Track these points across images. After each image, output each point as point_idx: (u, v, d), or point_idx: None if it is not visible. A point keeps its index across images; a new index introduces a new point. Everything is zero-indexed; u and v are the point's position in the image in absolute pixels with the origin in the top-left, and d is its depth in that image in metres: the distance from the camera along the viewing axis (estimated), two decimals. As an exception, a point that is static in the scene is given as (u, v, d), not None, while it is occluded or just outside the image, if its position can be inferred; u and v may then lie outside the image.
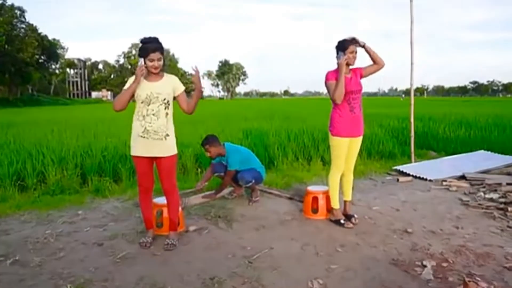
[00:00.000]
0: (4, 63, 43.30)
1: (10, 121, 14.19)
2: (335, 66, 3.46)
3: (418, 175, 5.39)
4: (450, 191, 4.74)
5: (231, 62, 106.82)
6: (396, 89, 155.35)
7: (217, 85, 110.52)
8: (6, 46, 44.13)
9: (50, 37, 54.75)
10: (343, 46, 3.43)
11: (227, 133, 8.18)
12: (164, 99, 3.06)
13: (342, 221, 3.56)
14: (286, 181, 5.37)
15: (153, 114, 3.04)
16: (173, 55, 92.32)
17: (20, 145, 6.73)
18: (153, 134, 3.05)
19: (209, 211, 4.01)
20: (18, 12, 46.94)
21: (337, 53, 3.47)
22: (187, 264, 2.85)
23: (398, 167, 5.86)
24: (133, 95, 3.04)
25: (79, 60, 77.29)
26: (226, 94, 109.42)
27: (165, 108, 3.09)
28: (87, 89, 79.47)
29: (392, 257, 2.88)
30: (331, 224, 3.63)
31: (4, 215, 4.10)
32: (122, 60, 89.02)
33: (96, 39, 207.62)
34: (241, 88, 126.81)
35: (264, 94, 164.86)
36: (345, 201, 3.74)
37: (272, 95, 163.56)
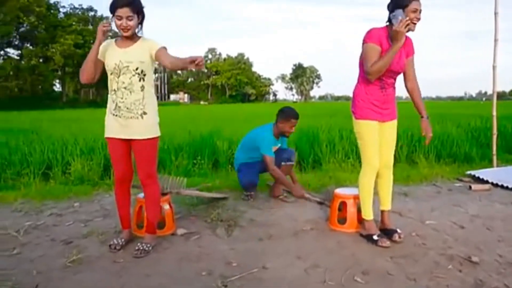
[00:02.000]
0: (92, 68, 47.47)
1: (79, 117, 15.05)
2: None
3: (499, 183, 4.09)
4: (546, 206, 3.43)
5: (305, 65, 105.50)
6: (485, 93, 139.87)
7: (291, 89, 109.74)
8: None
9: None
10: (402, 2, 2.38)
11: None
12: (137, 69, 2.44)
13: (375, 237, 2.59)
14: (323, 183, 4.43)
15: (125, 88, 2.44)
16: (247, 58, 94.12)
17: (60, 136, 6.71)
18: (126, 111, 2.45)
19: (212, 212, 3.29)
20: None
21: (393, 11, 2.41)
22: (145, 278, 2.16)
23: (473, 172, 4.57)
24: (101, 63, 2.47)
25: (159, 64, 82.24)
26: (300, 97, 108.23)
27: (140, 80, 2.46)
28: (166, 92, 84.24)
29: (438, 300, 1.88)
30: (360, 241, 2.67)
31: (6, 203, 3.82)
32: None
33: (176, 44, 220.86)
34: (315, 92, 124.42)
35: (339, 97, 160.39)
36: (382, 212, 2.75)
37: (348, 98, 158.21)
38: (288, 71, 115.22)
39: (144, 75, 2.48)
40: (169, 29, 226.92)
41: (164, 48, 2.49)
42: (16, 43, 40.83)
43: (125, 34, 2.41)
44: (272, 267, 2.27)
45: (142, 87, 2.48)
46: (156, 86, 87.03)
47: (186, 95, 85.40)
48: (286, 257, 2.42)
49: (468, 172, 4.67)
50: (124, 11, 2.35)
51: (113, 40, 2.52)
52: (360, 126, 2.58)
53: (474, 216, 3.18)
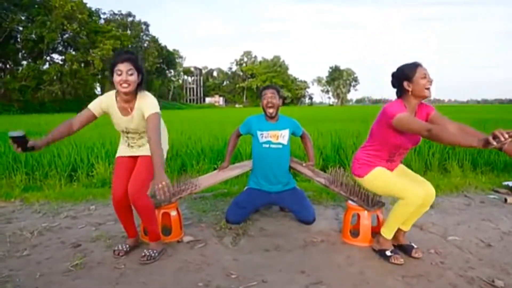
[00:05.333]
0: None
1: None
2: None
3: (540, 196, 3.73)
4: None
5: (341, 67, 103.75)
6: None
7: (327, 92, 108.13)
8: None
9: (170, 48, 61.05)
10: (407, 75, 2.26)
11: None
12: (143, 132, 2.53)
13: (388, 253, 2.40)
14: (332, 195, 4.13)
15: (134, 137, 2.60)
16: (283, 61, 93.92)
17: (89, 138, 6.92)
18: (137, 148, 2.62)
19: (222, 219, 3.21)
20: (144, 27, 53.77)
21: (400, 85, 2.31)
22: (141, 286, 2.11)
23: (509, 183, 4.21)
24: (94, 118, 2.49)
25: (195, 68, 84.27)
26: (336, 100, 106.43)
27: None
28: (201, 95, 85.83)
29: (449, 329, 1.69)
30: (372, 256, 2.49)
31: (29, 203, 3.95)
32: (234, 68, 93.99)
33: (211, 48, 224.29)
34: (352, 95, 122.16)
35: (377, 101, 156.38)
36: (399, 229, 2.55)
37: (386, 101, 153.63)
38: (324, 73, 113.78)
39: None
40: (205, 32, 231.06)
41: (155, 114, 2.32)
42: (60, 48, 43.18)
43: (123, 90, 2.30)
44: (272, 281, 2.16)
45: None
46: (192, 89, 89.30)
47: (221, 98, 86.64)
48: (289, 271, 2.29)
49: (506, 183, 4.31)
50: (125, 65, 2.30)
51: (113, 96, 2.43)
52: (371, 179, 2.47)
53: (506, 233, 2.90)
